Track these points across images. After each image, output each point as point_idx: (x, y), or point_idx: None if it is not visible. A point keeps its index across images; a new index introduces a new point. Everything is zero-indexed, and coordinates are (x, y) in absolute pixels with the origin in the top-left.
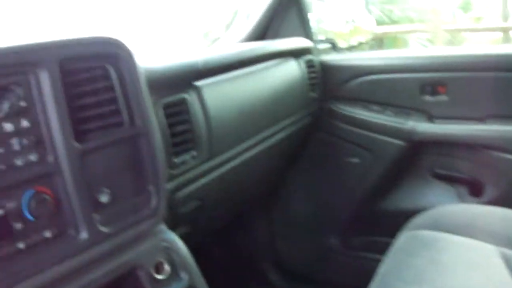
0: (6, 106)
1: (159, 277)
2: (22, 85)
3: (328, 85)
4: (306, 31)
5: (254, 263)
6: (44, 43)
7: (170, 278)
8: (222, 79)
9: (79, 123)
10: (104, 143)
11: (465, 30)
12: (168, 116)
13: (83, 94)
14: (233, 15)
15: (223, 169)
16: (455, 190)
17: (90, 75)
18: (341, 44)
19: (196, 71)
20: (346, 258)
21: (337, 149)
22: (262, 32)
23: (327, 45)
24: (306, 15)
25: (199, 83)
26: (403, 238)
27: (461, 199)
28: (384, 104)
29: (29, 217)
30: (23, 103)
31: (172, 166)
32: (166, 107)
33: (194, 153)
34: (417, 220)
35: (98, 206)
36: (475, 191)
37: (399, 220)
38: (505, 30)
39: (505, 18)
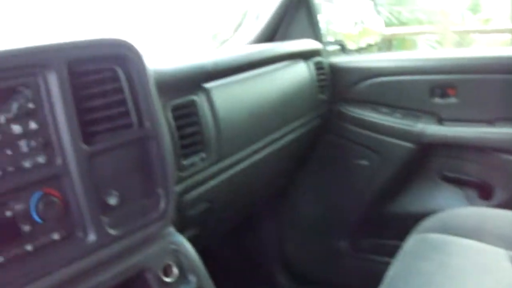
0: (14, 107)
1: (167, 279)
2: (31, 86)
3: (337, 87)
4: (315, 33)
5: (263, 266)
6: (53, 44)
7: (178, 281)
8: (231, 81)
9: (87, 125)
10: (112, 145)
11: (474, 31)
12: (177, 118)
13: (91, 96)
14: (242, 16)
15: (232, 171)
16: (464, 193)
17: (98, 76)
18: (350, 45)
19: (205, 73)
20: (354, 260)
21: (346, 151)
22: (271, 33)
23: (336, 47)
24: (315, 16)
25: (208, 85)
26: (412, 241)
27: (471, 202)
28: (393, 106)
29: (37, 219)
30: (31, 105)
31: (180, 168)
32: (175, 109)
33: (203, 155)
34: (426, 223)
35: (106, 208)
36: (485, 194)
37: (408, 223)
38: None
39: None
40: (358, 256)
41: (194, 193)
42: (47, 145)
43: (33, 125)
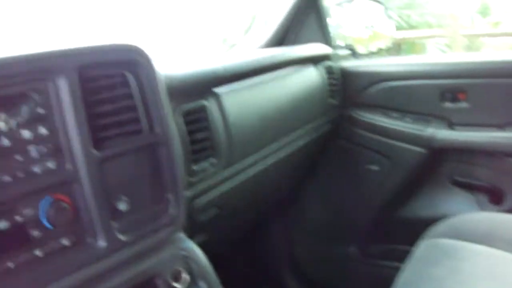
0: (24, 113)
1: (178, 286)
2: (41, 92)
3: (347, 91)
4: (325, 37)
5: (273, 271)
6: (63, 50)
7: (189, 287)
8: (242, 86)
9: (97, 131)
10: (122, 151)
11: (484, 35)
12: (187, 123)
13: (101, 101)
14: (251, 20)
15: (242, 177)
16: (475, 198)
17: (109, 82)
18: (360, 50)
19: (215, 77)
20: (364, 266)
21: (356, 156)
22: (281, 38)
23: (347, 51)
24: (325, 20)
25: (218, 90)
26: (423, 247)
27: (481, 207)
28: (404, 111)
29: (47, 225)
30: (41, 110)
31: (191, 173)
32: (186, 114)
33: (213, 160)
34: (437, 228)
35: (116, 214)
36: (495, 199)
37: (418, 228)
38: None
39: None
40: (368, 262)
41: (204, 199)
42: (57, 151)
43: (43, 131)
